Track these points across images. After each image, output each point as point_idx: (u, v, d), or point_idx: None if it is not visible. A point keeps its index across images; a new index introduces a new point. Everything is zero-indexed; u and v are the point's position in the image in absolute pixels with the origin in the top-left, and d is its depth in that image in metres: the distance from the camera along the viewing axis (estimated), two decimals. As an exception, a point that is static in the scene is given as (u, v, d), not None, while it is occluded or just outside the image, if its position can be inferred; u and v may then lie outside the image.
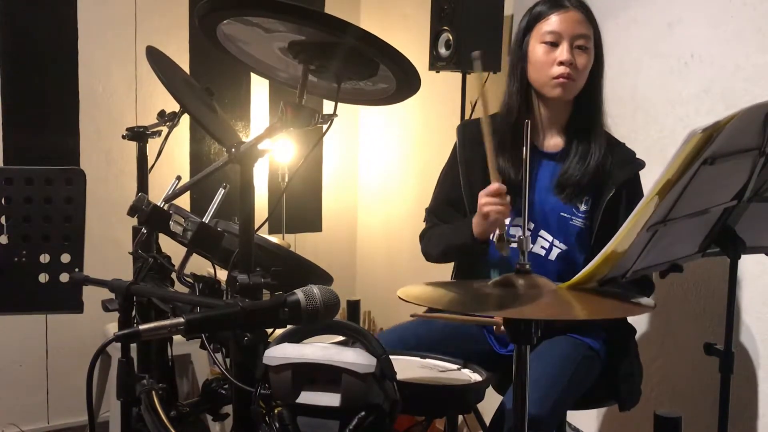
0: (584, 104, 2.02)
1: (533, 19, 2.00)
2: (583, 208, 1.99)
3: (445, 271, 2.22)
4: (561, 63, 1.93)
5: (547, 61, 1.95)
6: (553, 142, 2.05)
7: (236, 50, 1.62)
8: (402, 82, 1.52)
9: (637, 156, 2.04)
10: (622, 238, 1.41)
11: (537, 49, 1.97)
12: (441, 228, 2.10)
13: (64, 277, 1.63)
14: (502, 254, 1.83)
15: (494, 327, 1.93)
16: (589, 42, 1.97)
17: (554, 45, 1.95)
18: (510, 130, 2.01)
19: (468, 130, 2.11)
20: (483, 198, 1.85)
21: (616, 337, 2.01)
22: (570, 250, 1.99)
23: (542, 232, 2.00)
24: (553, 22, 1.95)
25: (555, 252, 2.00)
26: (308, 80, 1.48)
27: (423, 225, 2.20)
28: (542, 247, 2.00)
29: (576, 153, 1.99)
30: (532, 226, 1.99)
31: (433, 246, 2.10)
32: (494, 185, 1.83)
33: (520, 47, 2.02)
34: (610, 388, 1.99)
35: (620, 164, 1.99)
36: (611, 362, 1.99)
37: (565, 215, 1.99)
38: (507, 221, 2.01)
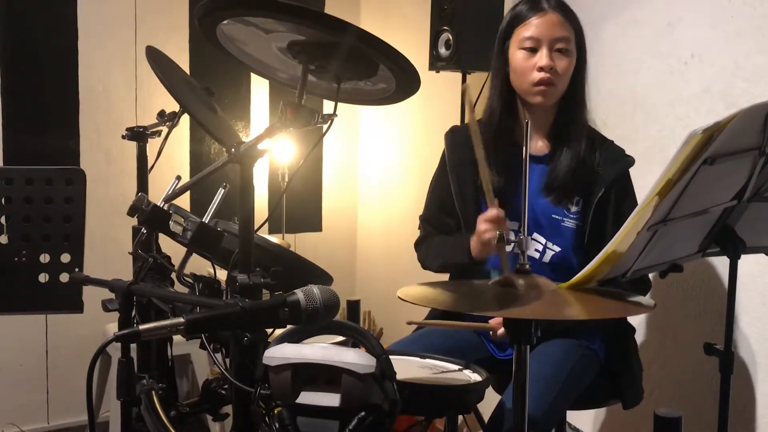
0: (568, 106, 2.00)
1: (512, 22, 1.98)
2: (574, 209, 1.98)
3: (444, 271, 2.23)
4: (541, 68, 1.91)
5: (527, 66, 1.93)
6: (540, 144, 2.04)
7: (236, 50, 1.62)
8: (402, 82, 1.51)
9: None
10: (622, 239, 1.41)
11: (517, 55, 1.95)
12: (438, 241, 2.08)
13: (64, 277, 1.63)
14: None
15: (491, 333, 1.91)
16: (570, 44, 1.94)
17: (533, 50, 1.93)
18: (493, 134, 1.98)
19: (456, 136, 2.09)
20: (482, 224, 1.80)
21: (615, 336, 2.01)
22: (564, 251, 1.98)
23: (535, 235, 1.99)
24: (531, 27, 1.93)
25: (549, 254, 1.99)
26: (308, 80, 1.48)
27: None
28: (536, 250, 1.99)
29: (563, 154, 1.97)
30: None
31: (431, 259, 2.09)
32: (493, 212, 1.76)
33: (501, 52, 2.00)
34: (612, 387, 1.98)
35: (608, 163, 1.98)
36: (611, 361, 1.99)
37: (557, 217, 1.98)
38: None
